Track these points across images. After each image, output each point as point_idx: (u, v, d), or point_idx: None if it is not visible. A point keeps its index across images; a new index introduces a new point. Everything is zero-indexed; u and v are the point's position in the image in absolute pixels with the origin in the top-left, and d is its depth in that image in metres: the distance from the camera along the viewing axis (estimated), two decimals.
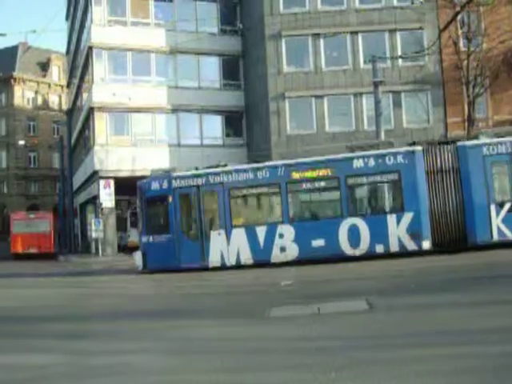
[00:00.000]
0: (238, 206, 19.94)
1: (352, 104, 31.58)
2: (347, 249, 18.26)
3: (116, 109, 33.13)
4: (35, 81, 68.40)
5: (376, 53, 26.82)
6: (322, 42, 31.74)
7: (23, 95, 67.25)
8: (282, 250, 18.71)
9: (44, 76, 69.53)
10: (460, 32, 30.03)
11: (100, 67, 33.54)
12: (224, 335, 8.34)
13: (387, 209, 18.76)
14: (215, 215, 19.61)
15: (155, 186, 20.01)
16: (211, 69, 35.86)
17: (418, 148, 18.33)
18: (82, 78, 38.69)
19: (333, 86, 31.37)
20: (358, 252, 18.15)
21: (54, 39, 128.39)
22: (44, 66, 70.14)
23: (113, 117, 33.69)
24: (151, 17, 34.52)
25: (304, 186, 19.29)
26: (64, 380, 6.42)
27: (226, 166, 20.22)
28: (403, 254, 17.60)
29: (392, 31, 31.42)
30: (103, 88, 32.97)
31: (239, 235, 19.08)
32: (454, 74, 29.95)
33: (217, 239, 19.21)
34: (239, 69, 36.32)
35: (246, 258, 19.00)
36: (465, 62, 29.02)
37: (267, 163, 20.08)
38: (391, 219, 18.10)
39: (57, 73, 70.48)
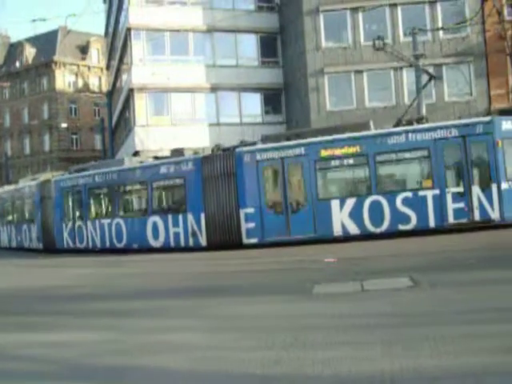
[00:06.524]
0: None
1: (392, 78, 31.07)
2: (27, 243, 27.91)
3: (155, 89, 33.35)
4: (75, 64, 69.18)
5: (416, 25, 26.17)
6: (360, 16, 31.19)
7: (64, 79, 68.14)
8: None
9: (84, 59, 70.26)
10: (504, 0, 29.10)
11: (138, 48, 33.71)
12: (268, 312, 8.35)
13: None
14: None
15: None
16: (249, 46, 35.68)
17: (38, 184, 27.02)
18: (121, 60, 38.95)
19: (372, 61, 30.84)
20: (34, 246, 27.00)
21: (93, 22, 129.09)
22: (83, 49, 70.83)
23: (152, 97, 33.92)
24: None
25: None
26: (114, 357, 6.58)
27: None
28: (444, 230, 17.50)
29: (432, 3, 30.65)
30: (142, 69, 33.16)
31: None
32: (497, 45, 28.95)
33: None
34: (277, 46, 36.02)
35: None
36: (509, 32, 28.15)
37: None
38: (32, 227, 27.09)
39: (96, 55, 71.12)
